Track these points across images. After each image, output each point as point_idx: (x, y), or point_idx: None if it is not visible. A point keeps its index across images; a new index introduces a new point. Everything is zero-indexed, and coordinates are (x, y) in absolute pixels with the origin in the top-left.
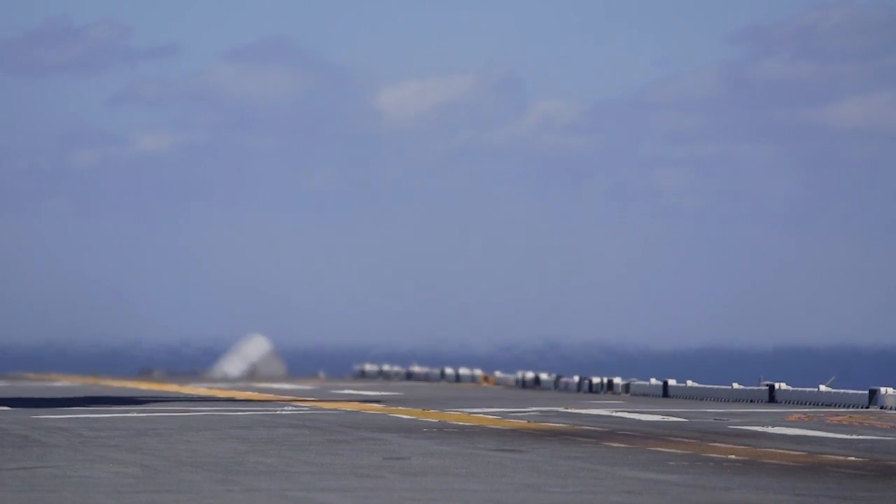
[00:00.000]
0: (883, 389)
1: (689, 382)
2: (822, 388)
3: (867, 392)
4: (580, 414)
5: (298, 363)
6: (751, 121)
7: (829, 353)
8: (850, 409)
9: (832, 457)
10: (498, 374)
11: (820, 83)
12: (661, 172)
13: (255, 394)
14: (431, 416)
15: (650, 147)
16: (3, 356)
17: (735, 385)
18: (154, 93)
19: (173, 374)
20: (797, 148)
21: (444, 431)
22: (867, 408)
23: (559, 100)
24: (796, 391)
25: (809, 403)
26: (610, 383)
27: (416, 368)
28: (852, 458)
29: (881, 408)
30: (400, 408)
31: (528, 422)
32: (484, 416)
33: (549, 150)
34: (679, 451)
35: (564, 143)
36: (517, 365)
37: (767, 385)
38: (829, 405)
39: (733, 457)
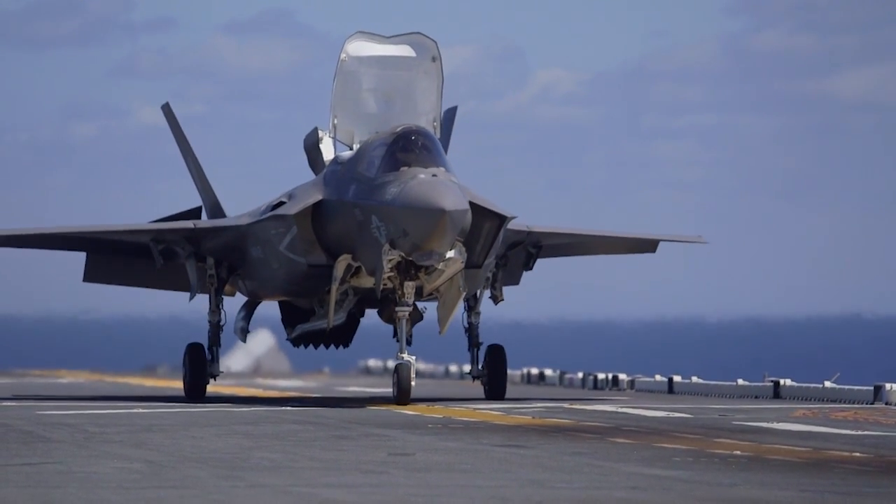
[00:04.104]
0: (888, 385)
1: (694, 378)
2: (827, 384)
3: (872, 388)
4: (585, 410)
5: (302, 358)
6: (751, 92)
7: (828, 326)
8: (855, 406)
9: (837, 453)
10: None
11: (820, 55)
12: (660, 144)
13: (260, 391)
14: (436, 412)
15: (650, 118)
16: (2, 338)
17: (740, 381)
18: (154, 65)
19: (178, 369)
20: (797, 119)
21: (448, 427)
22: (872, 404)
23: (559, 69)
24: (801, 387)
25: (814, 399)
26: (615, 379)
27: (421, 365)
28: (857, 454)
29: (886, 403)
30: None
31: (533, 417)
32: (489, 411)
33: (550, 121)
34: (684, 447)
35: (564, 114)
36: (522, 354)
37: (772, 381)
38: (833, 401)
39: (738, 452)
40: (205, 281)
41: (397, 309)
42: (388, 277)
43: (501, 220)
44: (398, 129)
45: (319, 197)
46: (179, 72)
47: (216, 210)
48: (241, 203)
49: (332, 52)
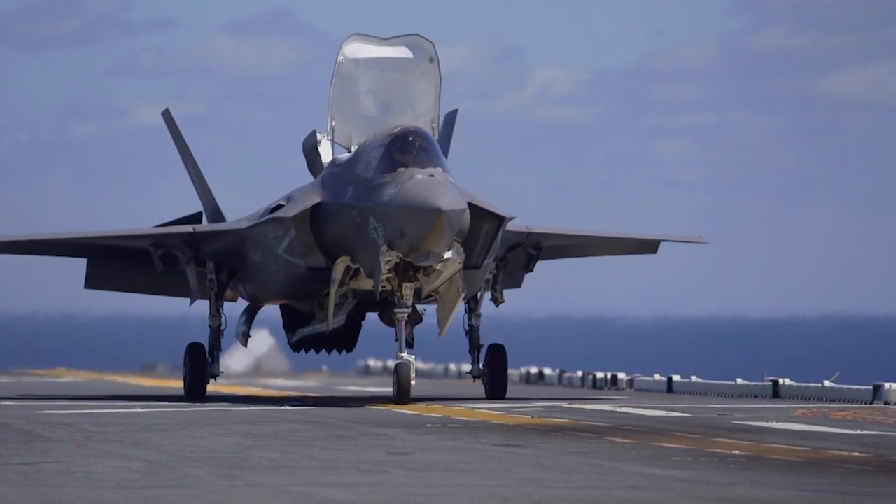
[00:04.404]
0: (887, 385)
1: (693, 378)
2: (826, 383)
3: (871, 387)
4: (584, 409)
5: (302, 358)
6: (750, 91)
7: (827, 326)
8: (854, 405)
9: (836, 452)
10: None
11: (818, 54)
12: (660, 143)
13: (259, 389)
14: (435, 412)
15: (649, 117)
16: (1, 338)
17: (739, 381)
18: (153, 65)
19: (178, 369)
20: (796, 118)
21: (447, 427)
22: (871, 403)
23: (559, 69)
24: (800, 386)
25: (813, 399)
26: (614, 378)
27: (421, 364)
28: (857, 454)
29: (885, 403)
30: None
31: (532, 417)
32: (488, 411)
33: (549, 121)
34: (683, 447)
35: (564, 114)
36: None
37: (771, 380)
38: (832, 400)
39: (737, 452)
40: (205, 286)
41: (396, 311)
42: (387, 279)
43: (500, 220)
44: (395, 130)
45: (318, 199)
46: (178, 71)
47: (216, 215)
48: (241, 206)
49: (330, 52)
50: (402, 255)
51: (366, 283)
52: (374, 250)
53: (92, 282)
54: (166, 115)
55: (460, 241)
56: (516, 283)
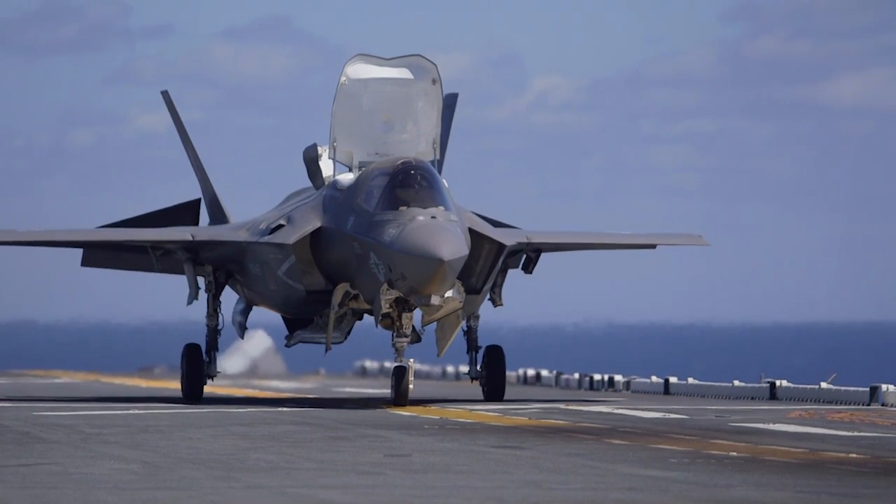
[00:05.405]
0: (884, 386)
1: (690, 380)
2: (824, 385)
3: (868, 389)
4: (581, 411)
5: (298, 359)
6: (747, 98)
7: (822, 327)
8: (851, 407)
9: (833, 454)
10: None
11: (816, 60)
12: (657, 149)
13: (257, 391)
14: (433, 413)
15: (647, 124)
16: (2, 341)
17: (736, 382)
18: (152, 72)
19: (175, 370)
20: (793, 125)
21: (445, 428)
22: (868, 405)
23: (557, 76)
24: (797, 388)
25: (810, 400)
26: (611, 380)
27: (418, 366)
28: (854, 456)
29: (882, 405)
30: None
31: (530, 419)
32: (485, 412)
33: (547, 127)
34: (680, 448)
35: (562, 120)
36: (523, 351)
37: (768, 382)
38: (829, 402)
39: (734, 454)
40: (202, 281)
41: (396, 340)
42: (387, 311)
43: (501, 247)
44: (398, 164)
45: (318, 224)
46: (177, 78)
47: (214, 203)
48: (239, 205)
49: (329, 58)
50: (402, 294)
51: (365, 306)
52: (375, 283)
53: (88, 260)
54: (165, 96)
55: (461, 281)
56: (514, 265)
